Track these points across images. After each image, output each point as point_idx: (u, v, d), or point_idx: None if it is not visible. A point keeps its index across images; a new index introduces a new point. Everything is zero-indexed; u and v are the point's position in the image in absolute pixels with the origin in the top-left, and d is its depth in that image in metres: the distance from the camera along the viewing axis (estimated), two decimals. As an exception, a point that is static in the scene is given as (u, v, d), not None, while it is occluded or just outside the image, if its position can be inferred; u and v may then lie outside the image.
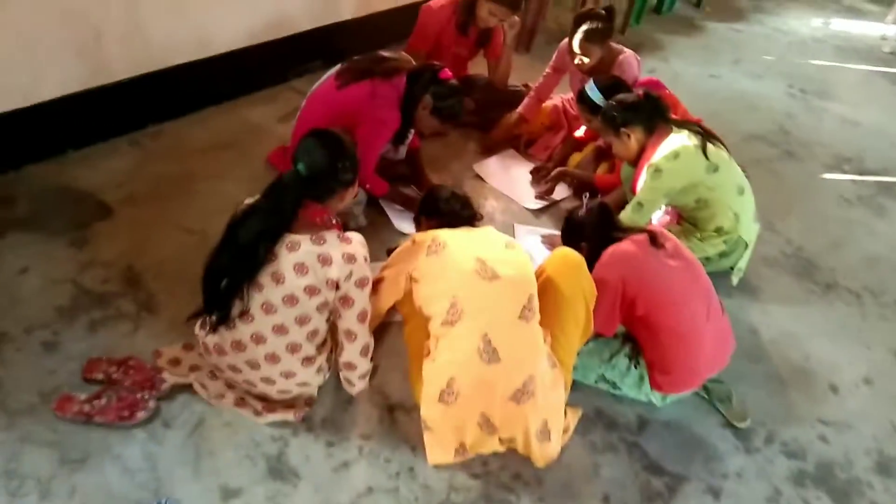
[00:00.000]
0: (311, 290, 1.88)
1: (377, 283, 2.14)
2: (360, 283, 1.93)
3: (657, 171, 2.54)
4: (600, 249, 2.26)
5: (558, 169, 3.21)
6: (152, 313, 2.31)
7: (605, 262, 2.21)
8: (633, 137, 2.63)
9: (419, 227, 2.33)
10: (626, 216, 2.63)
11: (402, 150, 3.01)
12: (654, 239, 2.22)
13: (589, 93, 2.89)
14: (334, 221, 2.01)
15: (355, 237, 1.95)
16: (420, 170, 3.10)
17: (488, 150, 3.47)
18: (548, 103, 3.53)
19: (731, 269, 2.77)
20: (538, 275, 2.10)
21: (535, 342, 1.94)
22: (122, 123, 3.02)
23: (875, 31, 6.20)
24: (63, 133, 2.83)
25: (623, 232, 2.28)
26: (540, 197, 3.22)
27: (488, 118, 3.55)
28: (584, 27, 3.05)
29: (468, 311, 1.91)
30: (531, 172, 3.34)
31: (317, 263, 1.86)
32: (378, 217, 2.90)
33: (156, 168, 2.91)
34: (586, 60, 3.11)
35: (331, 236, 1.90)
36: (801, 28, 5.96)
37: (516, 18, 3.35)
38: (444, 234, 2.03)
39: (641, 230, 2.27)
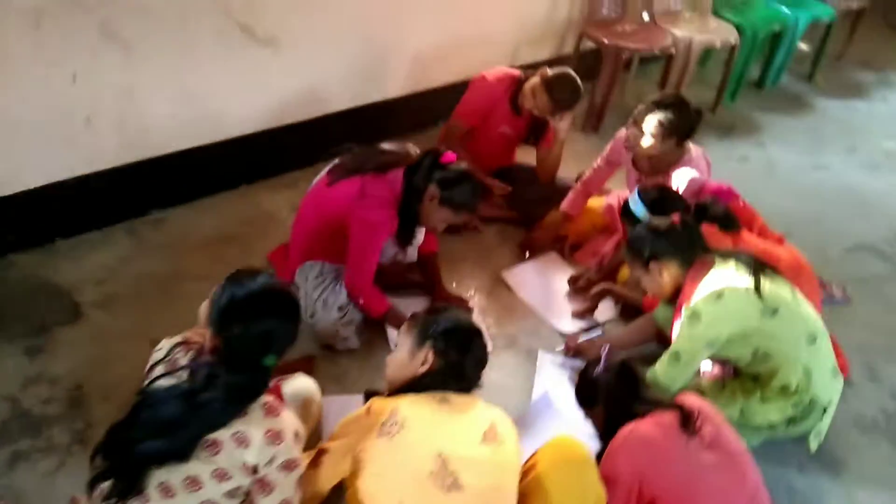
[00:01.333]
0: (220, 475, 1.48)
1: (320, 456, 1.72)
2: (287, 466, 1.51)
3: (695, 315, 2.01)
4: (617, 422, 1.77)
5: (602, 284, 2.70)
6: (85, 446, 2.01)
7: (618, 448, 1.70)
8: (666, 273, 2.11)
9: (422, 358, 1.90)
10: (661, 371, 2.11)
11: (413, 253, 2.62)
12: (687, 421, 1.70)
13: (632, 206, 2.40)
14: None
15: (286, 410, 1.56)
16: (435, 277, 2.69)
17: (527, 253, 3.01)
18: (601, 201, 3.05)
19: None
20: (527, 471, 1.63)
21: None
22: (120, 210, 2.81)
23: None
24: (51, 221, 2.65)
25: (648, 404, 1.77)
26: (579, 316, 2.72)
27: (531, 215, 3.11)
28: (662, 114, 2.55)
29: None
30: (569, 282, 2.85)
31: (231, 443, 1.46)
32: (376, 337, 2.51)
33: (143, 264, 2.65)
34: (645, 145, 2.61)
35: (254, 407, 1.51)
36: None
37: (568, 117, 2.92)
38: (407, 410, 1.57)
39: (672, 405, 1.75)
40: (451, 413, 1.61)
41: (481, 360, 1.78)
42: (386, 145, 2.45)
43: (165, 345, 1.64)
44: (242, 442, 1.46)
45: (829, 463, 2.27)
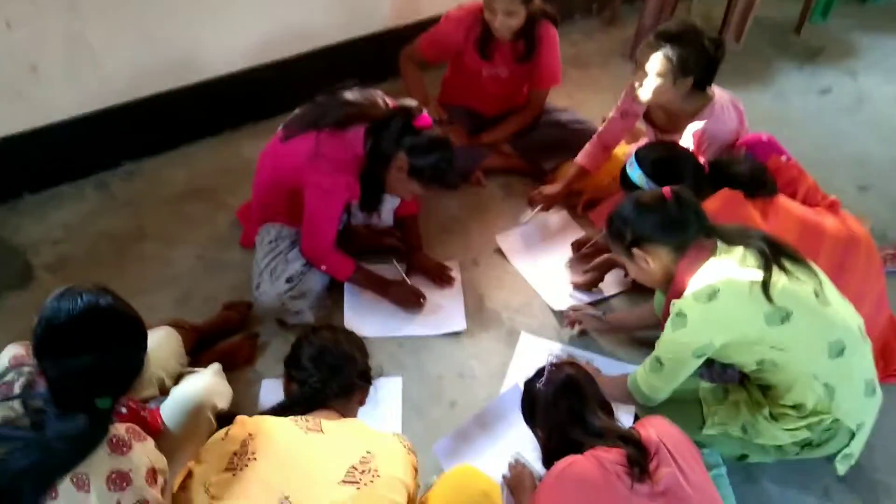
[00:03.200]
0: None
1: (188, 479, 1.38)
2: None
3: (680, 316, 1.60)
4: (556, 449, 1.44)
5: (608, 255, 2.29)
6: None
7: (548, 488, 1.38)
8: (653, 260, 1.69)
9: (285, 384, 1.63)
10: (642, 378, 1.73)
11: (387, 216, 2.31)
12: (637, 461, 1.35)
13: (628, 171, 1.96)
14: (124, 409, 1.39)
15: (141, 443, 1.29)
16: (414, 242, 2.38)
17: (531, 211, 2.59)
18: (627, 148, 2.58)
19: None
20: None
21: None
22: (90, 163, 2.62)
23: None
24: (14, 176, 2.51)
25: (593, 434, 1.42)
26: (581, 288, 2.33)
27: (541, 165, 2.70)
28: (669, 50, 2.06)
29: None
30: (573, 246, 2.44)
31: (70, 486, 1.19)
32: (337, 311, 2.24)
33: (106, 222, 2.47)
34: (647, 92, 2.14)
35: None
36: None
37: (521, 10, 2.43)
38: (263, 439, 1.31)
39: (623, 437, 1.39)
40: (315, 445, 1.32)
41: (347, 385, 1.49)
42: (350, 94, 2.11)
43: (5, 355, 1.43)
44: (82, 486, 1.20)
45: (861, 489, 1.84)
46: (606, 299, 2.33)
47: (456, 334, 2.20)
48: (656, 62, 2.08)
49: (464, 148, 2.64)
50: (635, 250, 1.70)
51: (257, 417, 1.37)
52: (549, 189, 2.59)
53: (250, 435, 1.31)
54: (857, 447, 1.71)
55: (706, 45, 2.07)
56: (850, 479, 1.81)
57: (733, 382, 1.81)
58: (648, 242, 1.69)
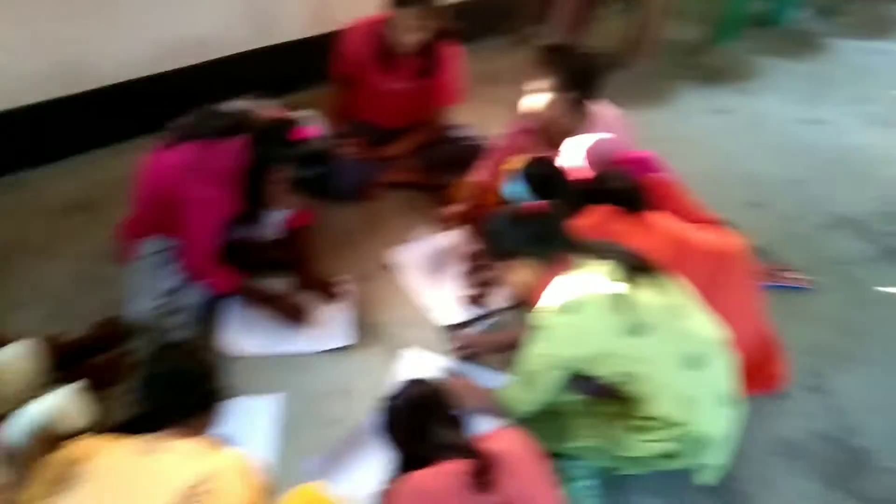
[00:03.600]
0: None
1: None
2: None
3: (539, 330, 1.62)
4: (406, 465, 1.43)
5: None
6: None
7: (390, 502, 1.37)
8: (521, 273, 1.71)
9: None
10: (507, 390, 1.74)
11: (271, 229, 2.27)
12: (481, 474, 1.34)
13: (509, 186, 1.98)
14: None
15: None
16: (304, 256, 2.35)
17: (439, 227, 2.58)
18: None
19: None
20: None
21: None
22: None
23: None
24: None
25: (438, 450, 1.41)
26: (470, 302, 2.33)
27: (443, 180, 2.71)
28: (551, 66, 2.10)
29: None
30: (466, 259, 2.43)
31: None
32: (218, 325, 2.19)
33: (-22, 234, 2.40)
34: (531, 107, 2.16)
35: None
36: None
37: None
38: (96, 459, 1.25)
39: (469, 451, 1.39)
40: (147, 467, 1.27)
41: (189, 405, 1.45)
42: (232, 105, 2.08)
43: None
44: None
45: (729, 500, 1.87)
46: (495, 313, 2.33)
47: (342, 350, 2.17)
48: (540, 79, 2.11)
49: (362, 162, 2.64)
50: (507, 262, 1.72)
51: (95, 438, 1.32)
52: (452, 208, 2.59)
53: (81, 457, 1.26)
54: (719, 458, 1.75)
55: (588, 62, 2.12)
56: (716, 490, 1.84)
57: (601, 395, 1.83)
58: (517, 255, 1.71)
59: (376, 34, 2.56)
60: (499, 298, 2.35)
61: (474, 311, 2.31)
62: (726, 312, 1.91)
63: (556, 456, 1.76)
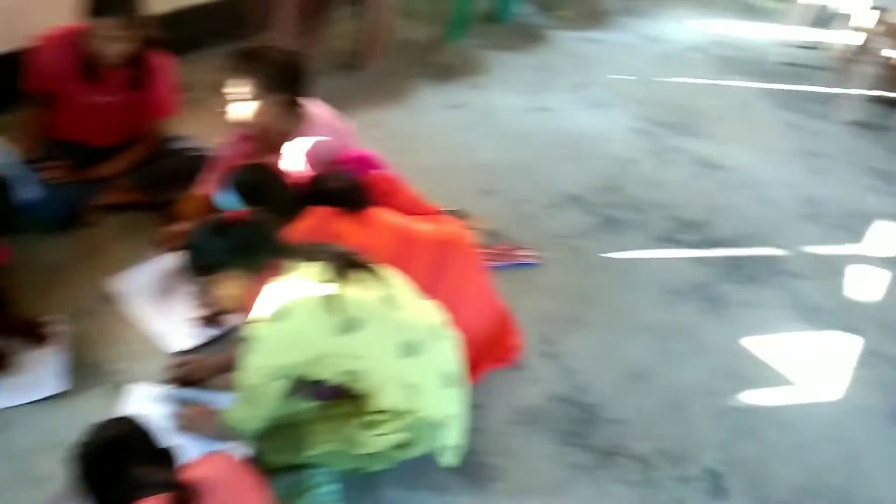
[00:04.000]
0: None
1: None
2: None
3: (252, 341, 1.55)
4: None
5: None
6: None
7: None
8: (229, 285, 1.63)
9: None
10: (230, 413, 1.65)
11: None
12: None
13: (221, 196, 1.89)
14: None
15: None
16: (2, 297, 2.06)
17: (162, 249, 2.40)
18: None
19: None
20: None
21: None
22: None
23: (771, 36, 5.31)
24: None
25: (132, 491, 1.28)
26: (204, 323, 2.19)
27: (165, 197, 2.52)
28: (242, 72, 2.03)
29: None
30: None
31: None
32: None
33: None
34: (240, 114, 2.09)
35: None
36: (678, 34, 5.02)
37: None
38: None
39: (167, 483, 1.28)
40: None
41: None
42: None
43: None
44: None
45: (476, 476, 1.93)
46: (232, 331, 2.22)
47: (55, 398, 1.93)
48: (243, 84, 2.03)
49: (71, 185, 2.39)
50: (211, 276, 1.62)
51: None
52: (176, 226, 2.41)
53: None
54: (455, 438, 1.79)
55: (287, 61, 2.07)
56: (464, 469, 1.88)
57: (335, 397, 1.80)
58: (221, 268, 1.62)
59: (74, 45, 2.32)
60: (236, 315, 2.23)
61: (209, 333, 2.17)
62: (457, 296, 1.99)
63: (299, 467, 1.71)
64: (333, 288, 1.57)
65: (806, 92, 4.57)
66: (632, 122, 3.77)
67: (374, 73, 3.63)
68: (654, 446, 2.09)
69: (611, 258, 2.80)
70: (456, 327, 1.84)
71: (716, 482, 2.02)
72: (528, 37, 4.48)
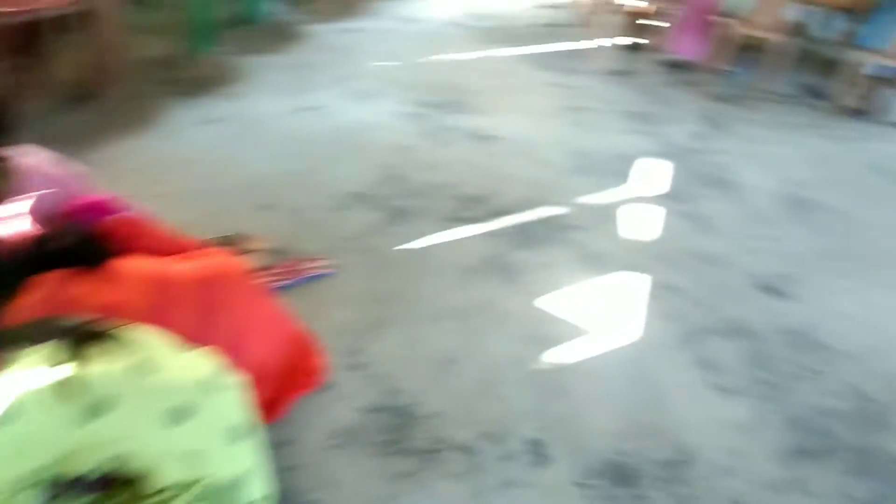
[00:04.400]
0: None
1: None
2: None
3: (-24, 459, 1.31)
4: None
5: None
6: None
7: None
8: None
9: None
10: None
11: None
12: None
13: None
14: None
15: None
16: None
17: None
18: None
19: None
20: None
21: None
22: None
23: (521, 2, 5.54)
24: None
25: None
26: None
27: None
28: None
29: None
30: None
31: None
32: None
33: None
34: None
35: None
36: (433, 12, 5.08)
37: None
38: None
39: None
40: None
41: None
42: None
43: None
44: None
45: (298, 514, 1.80)
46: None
47: None
48: None
49: None
50: None
51: None
52: None
53: None
54: (258, 490, 1.63)
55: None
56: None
57: (102, 489, 1.58)
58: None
59: None
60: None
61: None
62: (238, 333, 1.82)
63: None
64: (69, 370, 1.34)
65: (561, 50, 4.82)
66: (402, 108, 3.74)
67: (113, 99, 3.27)
68: (475, 431, 2.07)
69: (404, 250, 2.75)
70: (242, 368, 1.67)
71: (538, 451, 2.04)
72: (282, 36, 4.29)
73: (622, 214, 3.13)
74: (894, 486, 2.09)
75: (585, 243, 2.91)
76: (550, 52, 4.75)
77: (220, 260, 1.98)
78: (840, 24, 4.55)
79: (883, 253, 3.20)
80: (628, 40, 5.09)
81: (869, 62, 4.11)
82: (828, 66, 4.78)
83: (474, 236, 2.86)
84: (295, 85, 3.77)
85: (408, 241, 2.78)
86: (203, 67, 3.71)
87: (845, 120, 4.51)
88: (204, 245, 2.05)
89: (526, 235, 2.90)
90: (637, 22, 5.03)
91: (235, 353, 1.70)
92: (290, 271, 2.50)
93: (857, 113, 4.64)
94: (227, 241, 2.50)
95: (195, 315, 1.77)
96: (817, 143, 4.16)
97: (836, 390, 2.39)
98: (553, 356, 2.35)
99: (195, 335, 1.66)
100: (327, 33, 4.44)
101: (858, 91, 4.60)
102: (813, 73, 4.78)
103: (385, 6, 5.04)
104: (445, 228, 2.87)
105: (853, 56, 4.12)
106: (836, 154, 4.07)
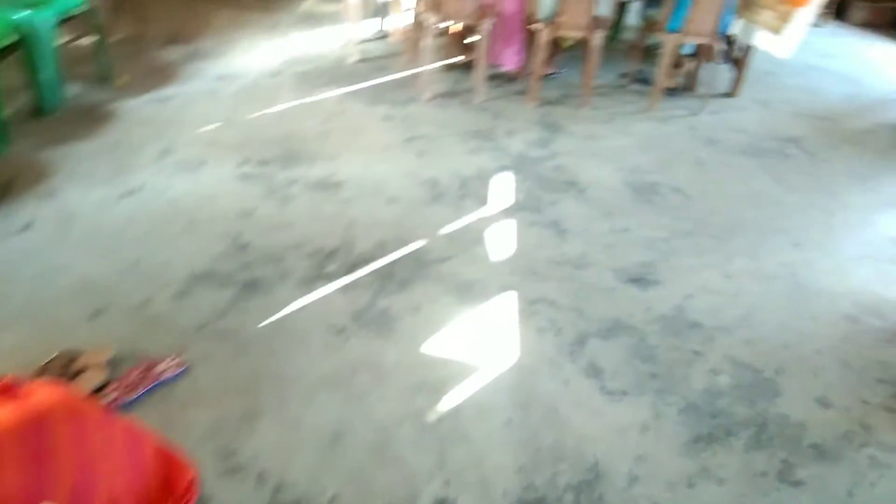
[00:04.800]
0: None
1: None
2: None
3: None
4: None
5: None
6: None
7: None
8: None
9: None
10: None
11: None
12: None
13: None
14: None
15: None
16: None
17: None
18: None
19: None
20: None
21: None
22: None
23: (339, 39, 5.44)
24: None
25: None
26: None
27: None
28: None
29: None
30: None
31: None
32: None
33: None
34: None
35: None
36: (251, 65, 4.88)
37: None
38: None
39: None
40: None
41: None
42: None
43: None
44: None
45: None
46: None
47: None
48: None
49: None
50: None
51: None
52: None
53: None
54: None
55: None
56: None
57: None
58: None
59: None
60: None
61: None
62: (82, 470, 1.56)
63: None
64: None
65: (389, 82, 4.77)
66: (235, 170, 3.52)
67: None
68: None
69: (264, 326, 2.52)
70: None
71: (448, 510, 1.91)
72: (90, 118, 3.94)
73: (483, 236, 3.08)
74: (794, 448, 2.14)
75: (453, 274, 2.82)
76: (379, 86, 4.69)
77: (40, 395, 1.70)
78: (650, 11, 4.82)
79: (729, 221, 3.35)
80: (453, 61, 5.14)
81: (680, 43, 4.36)
82: (649, 54, 5.05)
83: (337, 292, 2.69)
84: (112, 169, 3.45)
85: (266, 314, 2.57)
86: (3, 169, 3.31)
87: (670, 100, 4.76)
88: (14, 384, 1.76)
89: (392, 279, 2.77)
90: (464, 42, 5.08)
91: (87, 497, 1.46)
92: (136, 381, 2.22)
93: (681, 91, 4.91)
94: (51, 367, 2.20)
95: (21, 466, 1.50)
96: (649, 128, 4.35)
97: (718, 367, 2.44)
98: (443, 401, 2.23)
99: (25, 490, 1.40)
100: (140, 107, 4.13)
101: (681, 71, 4.88)
102: (636, 62, 5.02)
103: (197, 68, 4.78)
104: (305, 292, 2.69)
105: (662, 39, 4.36)
106: (667, 134, 4.27)
